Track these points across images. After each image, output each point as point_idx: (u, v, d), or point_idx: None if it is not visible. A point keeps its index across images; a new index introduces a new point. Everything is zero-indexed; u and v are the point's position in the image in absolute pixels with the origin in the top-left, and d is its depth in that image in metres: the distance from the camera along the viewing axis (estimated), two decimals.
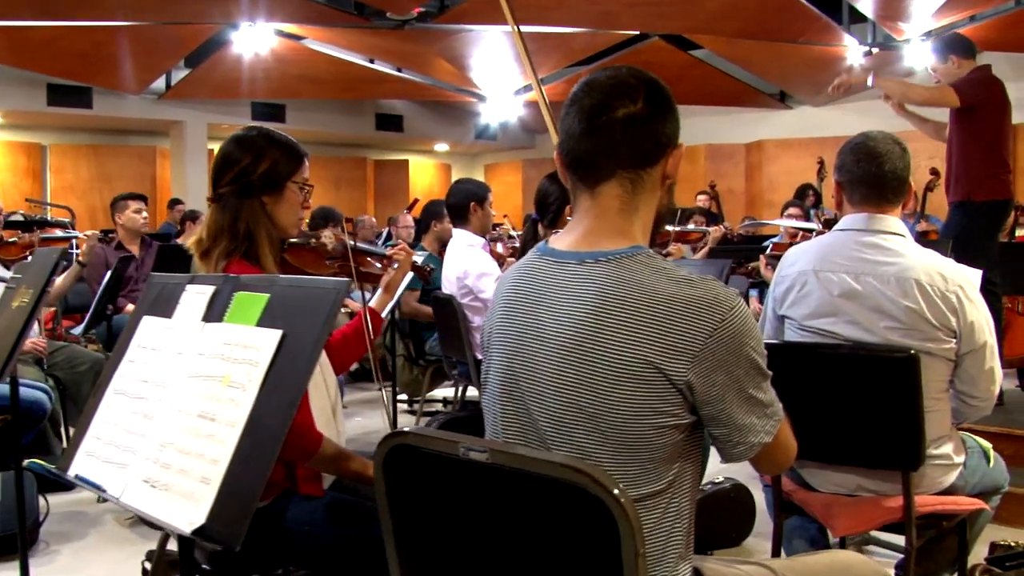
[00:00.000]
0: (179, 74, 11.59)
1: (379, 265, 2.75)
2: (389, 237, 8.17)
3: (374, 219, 10.36)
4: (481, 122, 13.86)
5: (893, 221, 2.35)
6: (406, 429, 1.28)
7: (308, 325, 1.38)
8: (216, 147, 11.38)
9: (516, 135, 15.29)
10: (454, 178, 16.84)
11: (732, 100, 12.20)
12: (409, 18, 7.96)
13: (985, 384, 2.33)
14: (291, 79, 11.32)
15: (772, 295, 2.53)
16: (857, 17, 8.57)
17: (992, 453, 2.52)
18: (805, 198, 9.76)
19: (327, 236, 2.64)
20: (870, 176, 2.35)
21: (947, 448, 2.32)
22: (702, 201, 11.13)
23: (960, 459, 2.35)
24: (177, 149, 12.89)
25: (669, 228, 6.74)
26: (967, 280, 2.27)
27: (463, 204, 4.47)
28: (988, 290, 4.73)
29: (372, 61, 11.02)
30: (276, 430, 1.33)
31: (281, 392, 1.34)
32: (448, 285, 4.52)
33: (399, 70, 11.44)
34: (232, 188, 2.19)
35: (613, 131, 1.42)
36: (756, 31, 8.37)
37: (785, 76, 11.21)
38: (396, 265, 2.66)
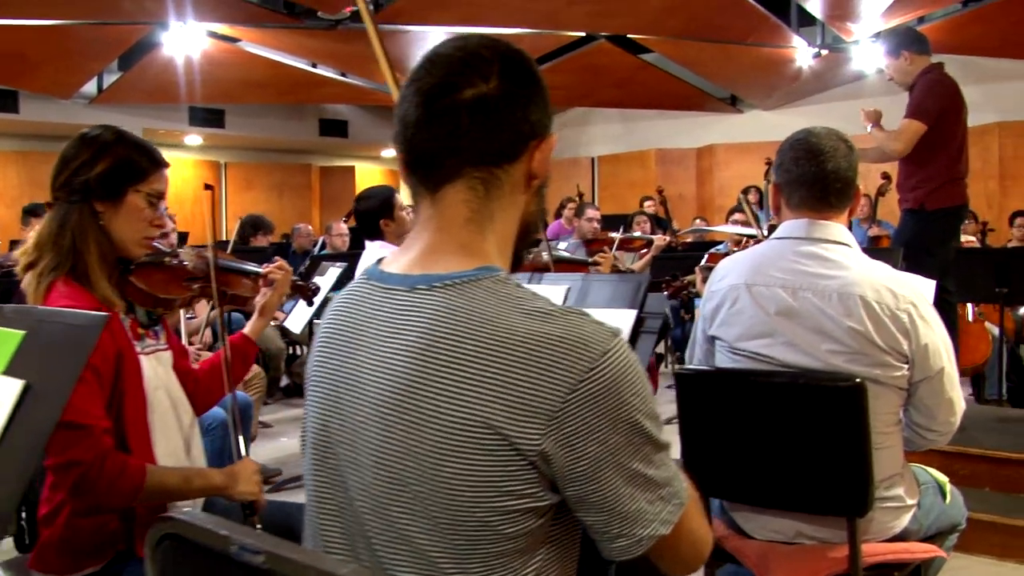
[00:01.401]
0: (111, 78, 11.14)
1: (250, 284, 2.38)
2: (324, 247, 7.80)
3: (310, 227, 9.97)
4: None
5: (837, 228, 2.06)
6: (173, 515, 0.95)
7: (60, 368, 1.06)
8: None
9: None
10: (403, 187, 16.44)
11: (683, 104, 11.99)
12: (342, 18, 7.61)
13: (944, 416, 2.04)
14: (230, 83, 10.93)
15: (702, 313, 2.23)
16: (806, 18, 8.38)
17: (948, 488, 2.24)
18: (747, 197, 9.57)
19: (187, 253, 2.25)
20: (810, 176, 2.06)
21: (899, 489, 2.02)
22: (649, 207, 10.90)
23: (913, 501, 2.06)
24: None
25: (613, 235, 6.47)
26: (920, 297, 1.98)
27: (372, 225, 4.01)
28: (943, 299, 4.52)
29: (315, 66, 10.68)
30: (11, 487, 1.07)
31: (16, 450, 1.07)
32: None
33: (343, 74, 11.08)
34: (64, 191, 1.87)
35: (458, 118, 1.09)
36: (702, 31, 8.15)
37: (736, 79, 11.03)
38: (272, 285, 2.31)
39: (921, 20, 7.87)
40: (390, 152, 15.64)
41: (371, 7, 7.50)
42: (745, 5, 7.30)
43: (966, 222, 6.52)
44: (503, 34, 8.78)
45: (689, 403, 2.12)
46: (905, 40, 4.40)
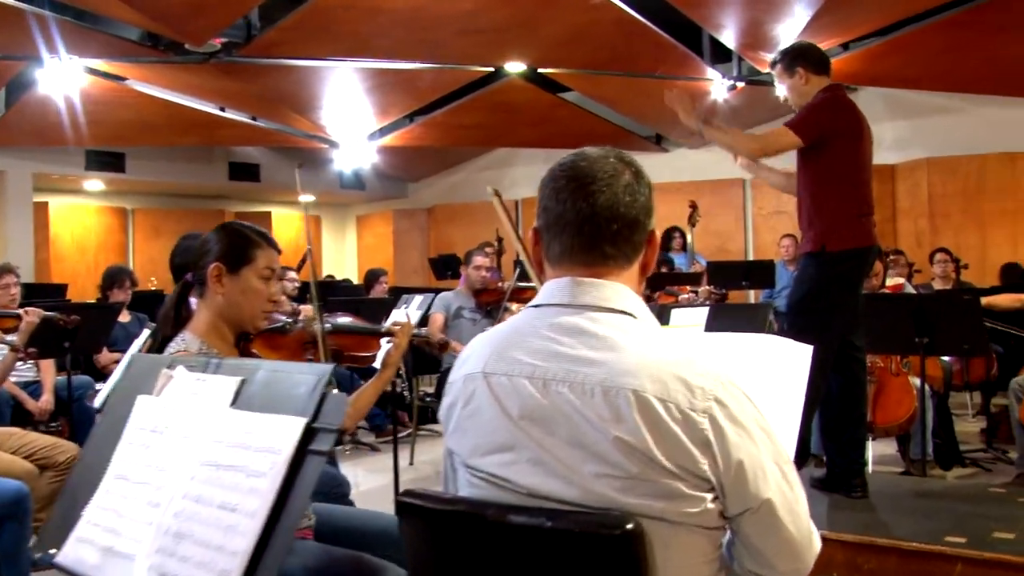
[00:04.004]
0: None
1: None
2: None
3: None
4: (334, 170, 12.87)
5: (616, 290, 1.44)
6: None
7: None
8: (46, 199, 10.04)
9: (387, 184, 14.35)
10: (324, 232, 15.82)
11: (606, 143, 11.38)
12: (213, 50, 6.97)
13: (786, 564, 1.41)
14: (124, 125, 10.24)
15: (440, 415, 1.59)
16: (721, 50, 7.90)
17: None
18: (671, 242, 9.05)
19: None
20: (575, 215, 1.44)
21: None
22: None
23: None
24: None
25: (504, 285, 5.86)
26: (732, 389, 1.35)
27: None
28: (852, 357, 3.94)
29: (223, 109, 10.04)
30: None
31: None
32: None
33: (254, 118, 10.44)
34: None
35: None
36: (607, 62, 7.64)
37: (658, 117, 10.54)
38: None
39: (845, 47, 7.41)
40: (308, 197, 14.97)
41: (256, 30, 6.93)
42: (650, 34, 6.80)
43: (884, 265, 5.99)
44: (401, 70, 8.31)
45: (415, 551, 1.46)
46: (803, 55, 3.85)
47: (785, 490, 1.36)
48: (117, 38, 7.28)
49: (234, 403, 1.42)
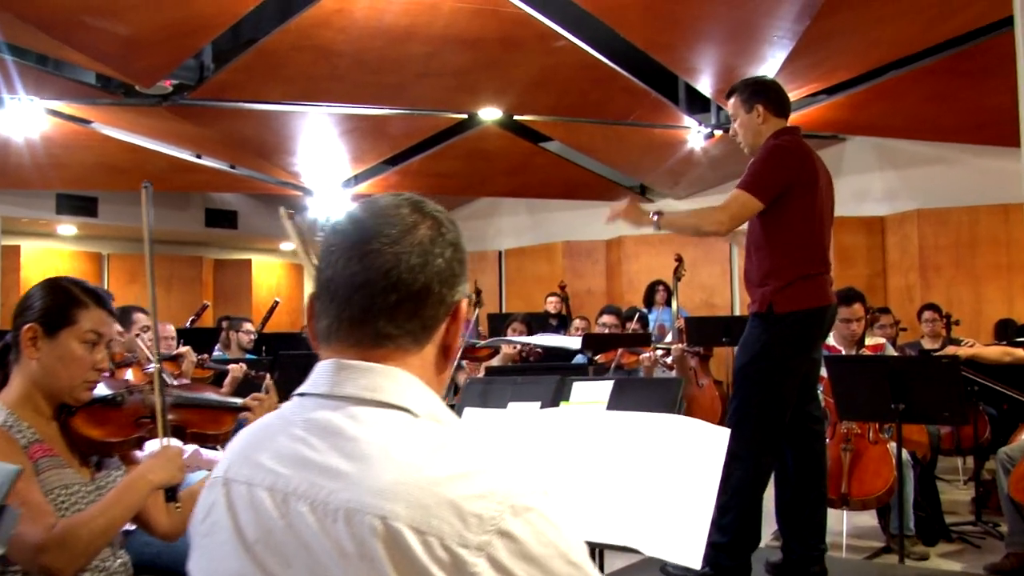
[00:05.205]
0: None
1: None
2: (227, 344, 6.57)
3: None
4: (309, 217, 12.59)
5: (392, 378, 1.09)
6: None
7: None
8: (17, 242, 9.72)
9: None
10: (306, 281, 15.51)
11: (590, 193, 11.20)
12: (165, 92, 6.71)
13: None
14: (91, 168, 10.05)
15: None
16: (698, 97, 7.62)
17: None
18: (654, 295, 8.70)
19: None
20: (347, 282, 1.10)
21: None
22: (552, 304, 9.99)
23: None
24: None
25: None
26: (533, 516, 0.98)
27: None
28: (808, 430, 3.55)
29: (199, 156, 9.78)
30: None
31: None
32: None
33: (233, 166, 10.19)
34: None
35: None
36: (577, 108, 7.35)
37: (641, 167, 10.28)
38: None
39: (827, 94, 7.12)
40: (289, 245, 14.67)
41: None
42: (620, 79, 6.51)
43: (866, 323, 5.61)
44: (371, 115, 8.05)
45: None
46: (762, 93, 3.52)
47: None
48: (73, 80, 7.05)
49: None
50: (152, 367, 3.01)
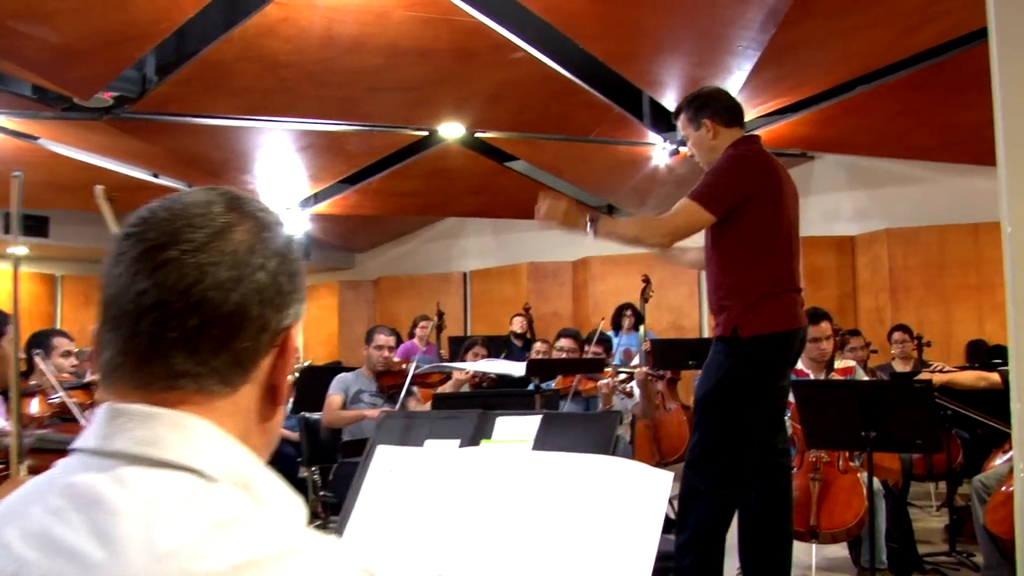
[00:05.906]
0: None
1: None
2: None
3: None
4: None
5: (182, 429, 0.80)
6: None
7: None
8: None
9: (333, 254, 13.75)
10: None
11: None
12: (106, 105, 6.40)
13: None
14: (39, 187, 9.65)
15: None
16: (664, 113, 7.41)
17: None
18: (621, 320, 8.46)
19: None
20: (133, 301, 0.82)
21: None
22: (518, 323, 9.74)
23: None
24: None
25: (406, 366, 5.21)
26: None
27: None
28: (773, 464, 3.29)
29: (156, 177, 9.46)
30: None
31: None
32: None
33: (191, 186, 9.87)
34: None
35: None
36: (537, 123, 7.11)
37: (606, 186, 10.06)
38: None
39: (781, 113, 6.92)
40: None
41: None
42: (580, 92, 6.28)
43: (835, 344, 5.39)
44: (327, 131, 7.78)
45: None
46: (707, 106, 3.28)
47: None
48: (8, 92, 6.73)
49: None
50: (56, 397, 2.72)
